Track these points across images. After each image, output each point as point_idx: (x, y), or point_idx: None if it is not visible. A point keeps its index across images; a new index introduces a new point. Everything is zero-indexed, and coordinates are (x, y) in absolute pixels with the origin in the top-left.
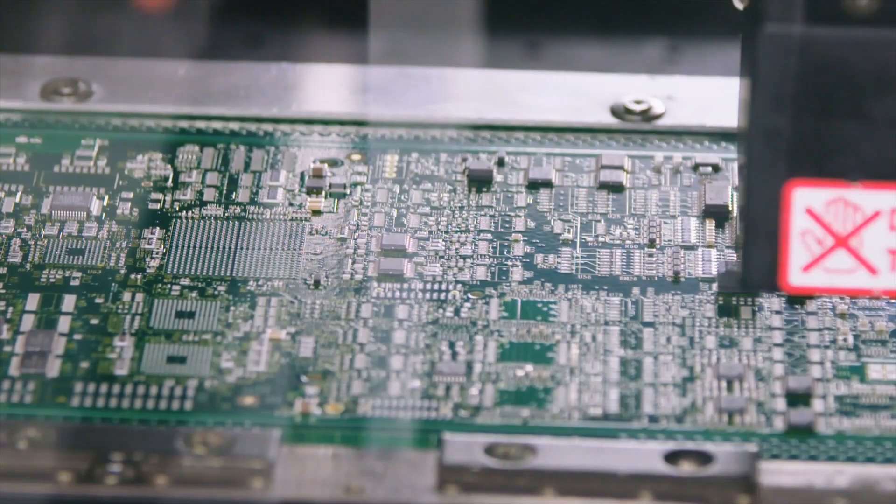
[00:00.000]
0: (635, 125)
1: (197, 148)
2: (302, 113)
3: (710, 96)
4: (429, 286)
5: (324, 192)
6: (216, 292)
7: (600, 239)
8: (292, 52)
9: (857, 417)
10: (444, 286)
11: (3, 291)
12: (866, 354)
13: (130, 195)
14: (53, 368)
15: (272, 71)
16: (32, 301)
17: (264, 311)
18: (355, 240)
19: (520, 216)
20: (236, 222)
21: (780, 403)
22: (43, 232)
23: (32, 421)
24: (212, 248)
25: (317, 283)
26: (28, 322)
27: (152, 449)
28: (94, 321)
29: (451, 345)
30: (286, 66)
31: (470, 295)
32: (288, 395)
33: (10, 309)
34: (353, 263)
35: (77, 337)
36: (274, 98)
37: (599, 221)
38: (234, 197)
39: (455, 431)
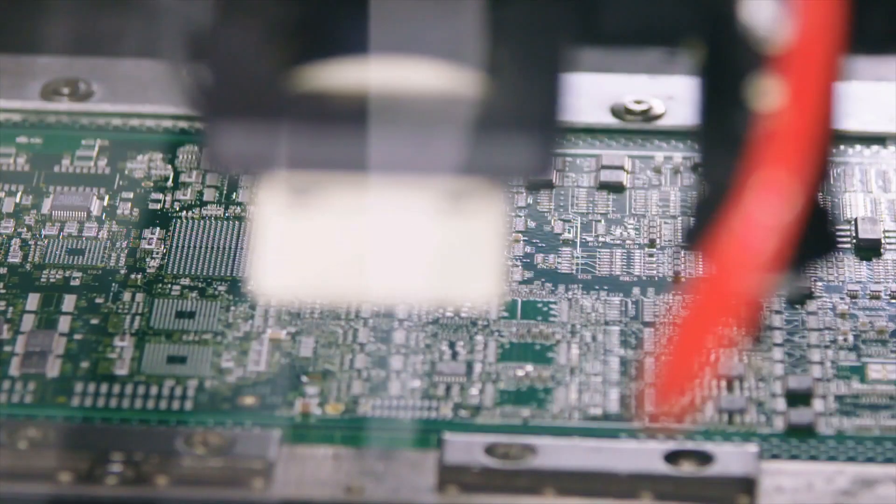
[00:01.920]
0: (635, 125)
1: (197, 148)
2: None
3: None
4: None
5: None
6: (216, 292)
7: (600, 239)
8: None
9: (857, 417)
10: None
11: (3, 291)
12: (866, 354)
13: (131, 195)
14: (53, 368)
15: None
16: (32, 301)
17: (264, 311)
18: None
19: (520, 216)
20: (236, 222)
21: (781, 403)
22: (43, 232)
23: (32, 421)
24: (212, 248)
25: None
26: (28, 322)
27: (152, 449)
28: (95, 321)
29: (452, 345)
30: None
31: None
32: (288, 395)
33: (11, 309)
34: None
35: (77, 337)
36: None
37: (600, 221)
38: (234, 197)
39: (455, 431)
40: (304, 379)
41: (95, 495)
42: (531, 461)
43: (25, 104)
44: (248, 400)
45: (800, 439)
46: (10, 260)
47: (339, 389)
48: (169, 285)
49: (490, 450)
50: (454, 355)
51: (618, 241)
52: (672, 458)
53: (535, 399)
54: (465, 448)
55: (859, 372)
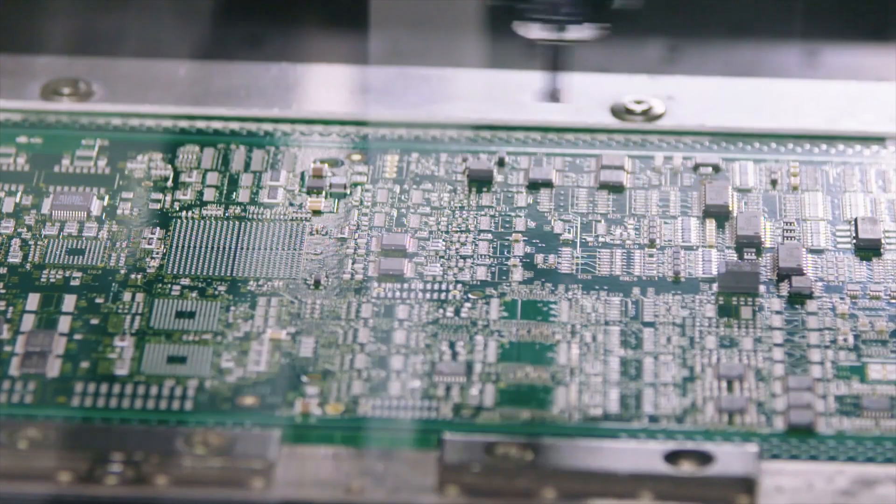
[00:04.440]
0: (635, 125)
1: (197, 148)
2: (302, 113)
3: (710, 96)
4: (429, 286)
5: (324, 192)
6: (216, 292)
7: (600, 239)
8: (292, 52)
9: (857, 417)
10: (444, 286)
11: (3, 291)
12: (866, 354)
13: (130, 195)
14: (53, 368)
15: (272, 71)
16: (32, 301)
17: (264, 311)
18: (355, 240)
19: (520, 216)
20: (236, 222)
21: (781, 403)
22: (43, 232)
23: (32, 421)
24: (212, 248)
25: (317, 283)
26: (28, 322)
27: (152, 449)
28: (95, 321)
29: (452, 345)
30: (286, 66)
31: (470, 295)
32: (288, 395)
33: (11, 309)
34: (353, 263)
35: (77, 337)
36: (274, 98)
37: (600, 221)
38: (234, 197)
39: (455, 431)
40: (304, 379)
41: (95, 495)
42: (531, 461)
43: (25, 104)
44: (248, 400)
45: (800, 439)
46: (10, 260)
47: (339, 389)
48: (169, 285)
49: (490, 450)
50: (454, 355)
51: (618, 241)
52: (672, 458)
53: (535, 399)
54: (465, 448)
55: (859, 372)
